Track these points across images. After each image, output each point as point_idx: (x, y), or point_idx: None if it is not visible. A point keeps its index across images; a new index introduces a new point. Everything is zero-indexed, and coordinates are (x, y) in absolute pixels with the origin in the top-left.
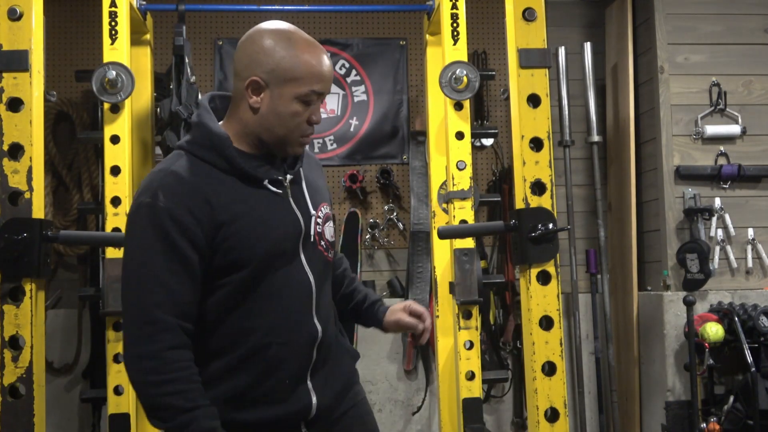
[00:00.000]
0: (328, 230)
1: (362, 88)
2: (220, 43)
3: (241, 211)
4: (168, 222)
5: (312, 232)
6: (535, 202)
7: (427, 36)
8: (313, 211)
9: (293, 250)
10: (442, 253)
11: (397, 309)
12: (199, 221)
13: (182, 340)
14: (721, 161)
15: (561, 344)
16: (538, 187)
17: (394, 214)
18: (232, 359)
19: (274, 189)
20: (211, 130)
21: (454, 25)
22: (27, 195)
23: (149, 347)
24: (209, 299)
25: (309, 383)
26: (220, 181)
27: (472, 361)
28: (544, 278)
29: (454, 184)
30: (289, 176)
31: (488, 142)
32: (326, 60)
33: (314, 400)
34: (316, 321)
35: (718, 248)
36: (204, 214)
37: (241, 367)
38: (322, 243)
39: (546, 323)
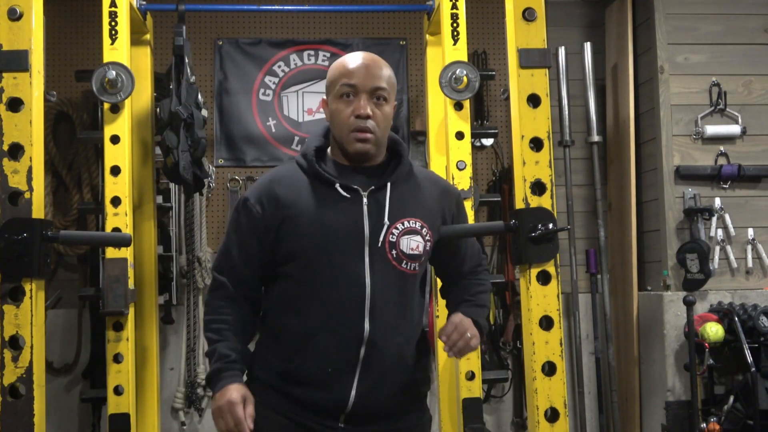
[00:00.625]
0: (407, 242)
1: None
2: (220, 43)
3: (305, 206)
4: (242, 209)
5: (381, 239)
6: (535, 202)
7: (427, 36)
8: (387, 221)
9: (351, 251)
10: None
11: (448, 321)
12: (264, 210)
13: (230, 294)
14: (721, 161)
15: (561, 344)
16: (538, 187)
17: None
18: (287, 341)
19: (344, 193)
20: (307, 142)
21: (454, 25)
22: (27, 195)
23: (208, 298)
24: (273, 287)
25: (355, 380)
26: (300, 182)
27: (472, 361)
28: (544, 278)
29: (454, 184)
30: (372, 186)
31: (488, 142)
32: (359, 58)
33: (353, 396)
34: (366, 322)
35: (718, 248)
36: (271, 205)
37: (293, 348)
38: (393, 252)
39: (546, 323)
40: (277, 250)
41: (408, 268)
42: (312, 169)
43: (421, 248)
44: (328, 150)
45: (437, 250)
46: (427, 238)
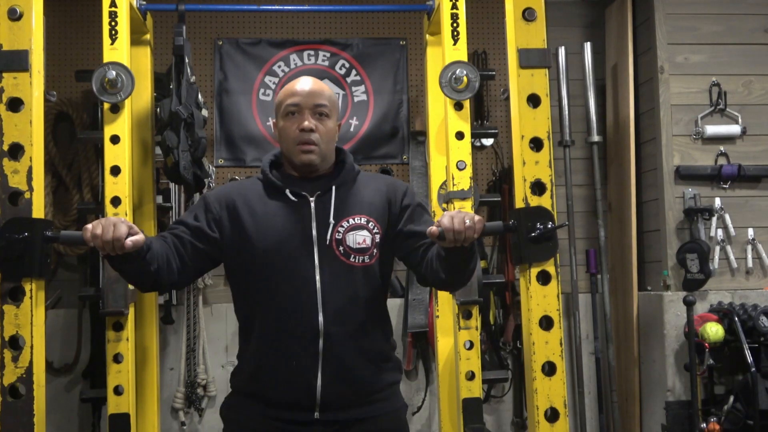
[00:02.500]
0: (353, 237)
1: (362, 88)
2: (220, 43)
3: (258, 212)
4: (200, 202)
5: (329, 238)
6: (535, 202)
7: (427, 36)
8: (332, 220)
9: (301, 251)
10: None
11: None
12: (217, 211)
13: (165, 238)
14: (721, 161)
15: (561, 344)
16: (538, 187)
17: None
18: (254, 342)
19: (293, 198)
20: (265, 157)
21: (454, 25)
22: (27, 195)
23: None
24: (236, 289)
25: (319, 371)
26: (256, 193)
27: (472, 361)
28: (544, 278)
29: (454, 184)
30: (318, 191)
31: (488, 142)
32: (305, 80)
33: (319, 385)
34: (320, 317)
35: (718, 248)
36: (226, 210)
37: (259, 349)
38: (341, 249)
39: (546, 323)
40: (232, 256)
41: (357, 261)
42: (266, 177)
43: (368, 241)
44: (282, 167)
45: (399, 245)
46: (375, 230)
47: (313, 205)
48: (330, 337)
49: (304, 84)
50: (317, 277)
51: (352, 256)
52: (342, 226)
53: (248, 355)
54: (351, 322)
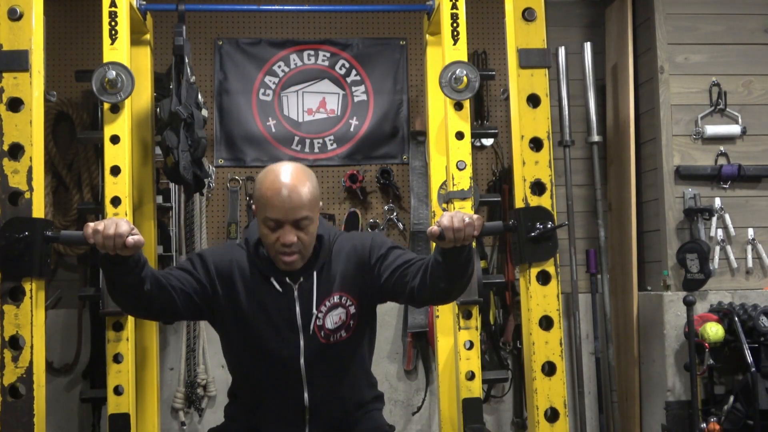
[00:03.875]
0: (330, 319)
1: (362, 88)
2: (220, 43)
3: (252, 290)
4: (197, 257)
5: (311, 326)
6: (534, 202)
7: (427, 36)
8: (314, 310)
9: (288, 336)
10: None
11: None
12: (212, 272)
13: (165, 275)
14: (721, 161)
15: (561, 344)
16: (537, 187)
17: (394, 214)
18: (242, 389)
19: (278, 287)
20: (250, 231)
21: (454, 25)
22: (27, 195)
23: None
24: (226, 349)
25: (306, 428)
26: (246, 268)
27: (472, 361)
28: (543, 278)
29: (454, 184)
30: (301, 278)
31: (488, 142)
32: (283, 188)
33: None
34: (305, 394)
35: (718, 248)
36: (219, 275)
37: (251, 413)
38: (322, 333)
39: (546, 323)
40: (222, 325)
41: (335, 339)
42: (252, 261)
43: (343, 317)
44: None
45: (384, 289)
46: (348, 303)
47: (296, 294)
48: (317, 413)
49: (284, 195)
50: (302, 361)
51: (331, 336)
52: (321, 311)
53: (242, 409)
54: (334, 392)
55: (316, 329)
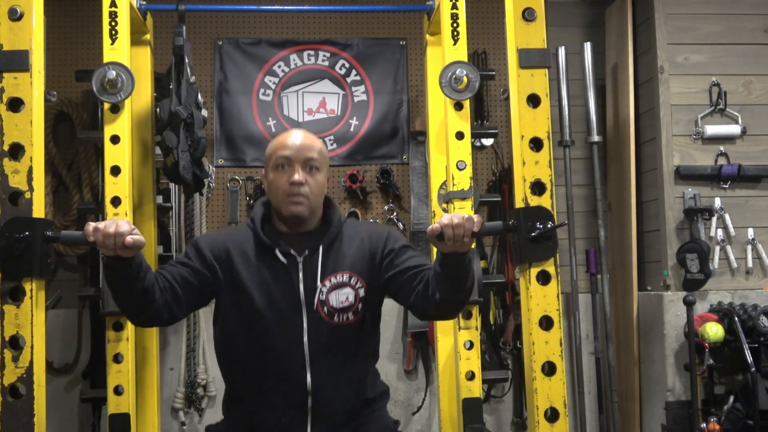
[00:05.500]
0: (336, 297)
1: (362, 88)
2: (220, 43)
3: (253, 265)
4: (192, 246)
5: (315, 301)
6: (534, 202)
7: (427, 36)
8: (319, 284)
9: (291, 312)
10: None
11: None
12: (209, 257)
13: (163, 273)
14: (721, 161)
15: (561, 344)
16: (537, 187)
17: (394, 214)
18: (241, 393)
19: (282, 259)
20: (254, 209)
21: (454, 25)
22: (27, 195)
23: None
24: (224, 335)
25: (308, 429)
26: (248, 245)
27: (472, 361)
28: (544, 278)
29: (454, 184)
30: (306, 251)
31: (488, 142)
32: (296, 134)
33: None
34: (308, 376)
35: (718, 248)
36: (218, 257)
37: (249, 404)
38: (325, 309)
39: (546, 323)
40: (224, 305)
41: (340, 320)
42: (256, 234)
43: (351, 298)
44: (272, 220)
45: (389, 284)
46: (358, 285)
47: (301, 266)
48: (320, 397)
49: (296, 137)
50: (305, 339)
51: (336, 315)
52: (325, 286)
53: (238, 405)
54: (339, 380)
55: (319, 305)
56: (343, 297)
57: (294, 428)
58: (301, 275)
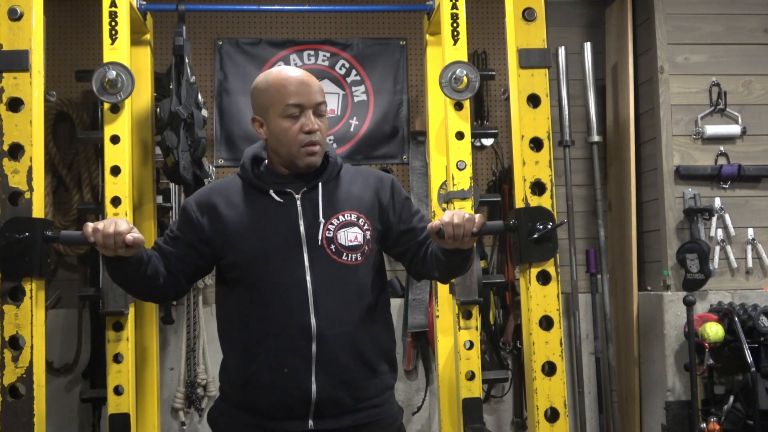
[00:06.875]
0: (344, 235)
1: (362, 88)
2: (220, 43)
3: (242, 214)
4: (182, 212)
5: (319, 237)
6: (535, 202)
7: (427, 36)
8: (322, 219)
9: (290, 252)
10: None
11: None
12: (200, 217)
13: (159, 248)
14: (721, 161)
15: (561, 344)
16: (538, 187)
17: None
18: (242, 350)
19: (278, 198)
20: (245, 153)
21: (454, 25)
22: (27, 195)
23: None
24: (224, 294)
25: (312, 375)
26: (238, 192)
27: (472, 361)
28: (544, 278)
29: (454, 184)
30: (304, 188)
31: (488, 142)
32: (298, 75)
33: (314, 391)
34: (312, 318)
35: (718, 248)
36: (208, 214)
37: (248, 356)
38: (332, 247)
39: (546, 323)
40: (220, 259)
41: (349, 259)
42: (248, 177)
43: (360, 238)
44: (266, 162)
45: (394, 241)
46: (366, 227)
47: (299, 203)
48: (323, 339)
49: (301, 80)
50: (308, 278)
51: (345, 254)
52: (332, 224)
53: (238, 361)
54: (345, 323)
55: (325, 241)
56: (351, 236)
57: (298, 378)
58: (300, 210)
